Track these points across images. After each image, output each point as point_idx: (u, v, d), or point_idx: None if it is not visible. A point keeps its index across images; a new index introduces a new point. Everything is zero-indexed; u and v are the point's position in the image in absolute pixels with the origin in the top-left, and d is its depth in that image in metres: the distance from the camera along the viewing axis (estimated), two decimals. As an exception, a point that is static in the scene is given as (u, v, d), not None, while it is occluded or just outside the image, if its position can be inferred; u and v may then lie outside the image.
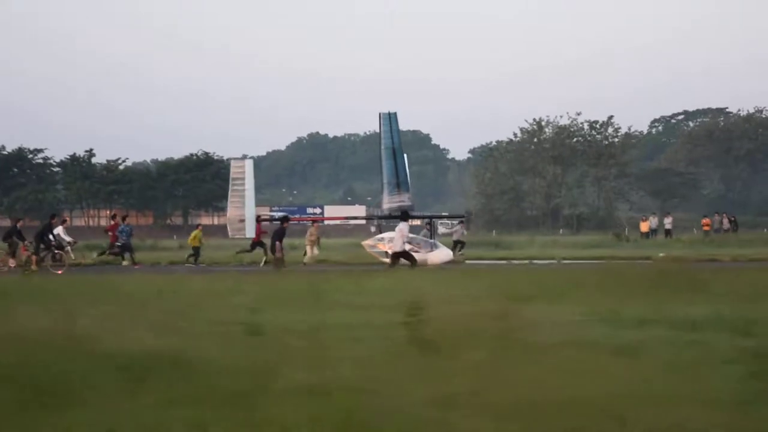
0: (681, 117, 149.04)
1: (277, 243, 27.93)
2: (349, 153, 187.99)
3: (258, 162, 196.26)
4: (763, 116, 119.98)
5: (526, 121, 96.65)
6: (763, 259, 29.58)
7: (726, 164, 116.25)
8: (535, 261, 30.24)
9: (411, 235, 28.87)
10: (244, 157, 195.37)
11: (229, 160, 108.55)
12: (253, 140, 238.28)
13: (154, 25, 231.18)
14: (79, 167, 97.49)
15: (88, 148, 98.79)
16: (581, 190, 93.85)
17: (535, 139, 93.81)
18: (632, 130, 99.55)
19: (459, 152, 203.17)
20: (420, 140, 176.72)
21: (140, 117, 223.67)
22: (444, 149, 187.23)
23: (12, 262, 29.69)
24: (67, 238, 32.38)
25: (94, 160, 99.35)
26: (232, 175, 31.64)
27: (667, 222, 50.80)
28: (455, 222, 38.40)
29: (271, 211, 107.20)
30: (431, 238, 30.53)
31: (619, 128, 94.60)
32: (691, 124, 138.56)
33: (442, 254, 29.02)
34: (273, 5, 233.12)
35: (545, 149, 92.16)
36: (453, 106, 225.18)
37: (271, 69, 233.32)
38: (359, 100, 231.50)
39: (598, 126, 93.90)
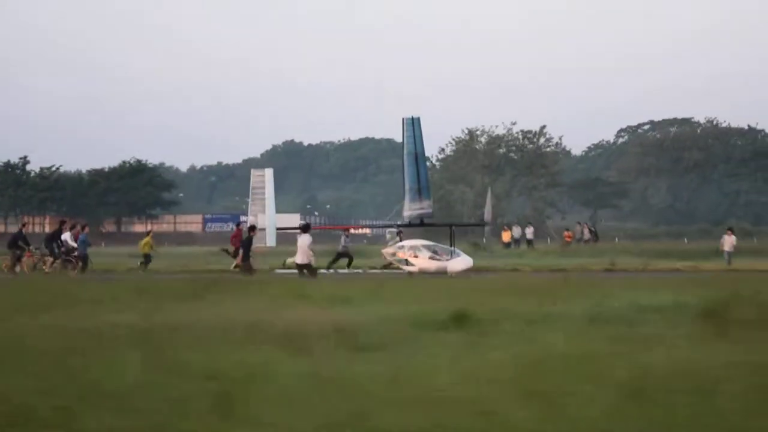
0: (647, 127, 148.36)
1: (242, 251, 27.81)
2: (322, 161, 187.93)
3: (233, 169, 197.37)
4: (718, 127, 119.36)
5: (462, 130, 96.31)
6: (570, 270, 28.93)
7: (676, 174, 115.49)
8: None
9: (430, 243, 29.49)
10: (219, 164, 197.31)
11: (159, 165, 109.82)
12: (232, 147, 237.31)
13: (119, 25, 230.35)
14: (13, 174, 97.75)
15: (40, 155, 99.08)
16: (509, 200, 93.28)
17: (467, 149, 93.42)
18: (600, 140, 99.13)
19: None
20: (393, 148, 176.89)
21: (123, 118, 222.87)
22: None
23: (17, 268, 29.83)
24: (74, 244, 32.09)
25: (29, 167, 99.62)
26: (252, 185, 31.65)
27: (528, 232, 50.42)
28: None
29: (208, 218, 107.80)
30: (451, 246, 30.33)
31: (551, 138, 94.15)
32: (656, 134, 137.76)
33: (463, 262, 28.96)
34: (253, 11, 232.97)
35: (477, 159, 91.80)
36: (431, 113, 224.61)
37: (250, 75, 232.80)
38: (336, 107, 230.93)
39: (531, 136, 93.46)
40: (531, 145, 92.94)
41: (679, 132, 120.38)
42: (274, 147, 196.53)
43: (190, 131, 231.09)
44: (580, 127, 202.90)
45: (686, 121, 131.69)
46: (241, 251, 27.78)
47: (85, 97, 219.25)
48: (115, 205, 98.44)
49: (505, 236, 49.98)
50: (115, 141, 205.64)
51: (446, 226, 33.04)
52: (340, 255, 32.58)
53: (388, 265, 30.10)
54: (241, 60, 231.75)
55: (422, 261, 28.69)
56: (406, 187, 30.55)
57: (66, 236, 31.54)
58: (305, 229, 26.76)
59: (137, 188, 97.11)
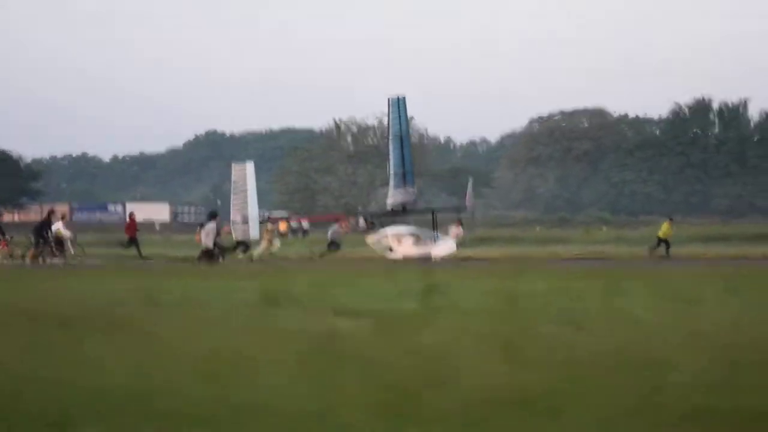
0: (558, 117, 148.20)
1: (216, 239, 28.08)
2: (242, 151, 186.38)
3: (155, 159, 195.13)
4: (607, 118, 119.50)
5: (334, 119, 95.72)
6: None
7: (565, 164, 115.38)
8: None
9: (413, 229, 29.81)
10: (142, 154, 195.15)
11: (20, 156, 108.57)
12: (157, 136, 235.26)
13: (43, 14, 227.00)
14: None
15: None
16: (373, 189, 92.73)
17: (334, 140, 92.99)
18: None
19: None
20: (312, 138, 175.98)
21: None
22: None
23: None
24: (67, 234, 32.63)
25: None
26: (233, 178, 32.18)
27: (305, 223, 50.30)
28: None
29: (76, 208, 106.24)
30: (434, 231, 30.66)
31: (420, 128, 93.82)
32: (563, 124, 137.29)
33: (446, 247, 29.36)
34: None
35: (343, 149, 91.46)
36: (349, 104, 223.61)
37: (174, 66, 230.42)
38: (259, 97, 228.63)
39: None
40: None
41: (572, 122, 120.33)
42: (197, 137, 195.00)
43: (114, 120, 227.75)
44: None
45: (599, 112, 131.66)
46: (203, 237, 27.64)
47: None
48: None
49: (282, 226, 49.66)
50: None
51: (427, 212, 33.13)
52: (332, 244, 33.07)
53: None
54: (167, 50, 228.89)
55: (405, 247, 29.04)
56: (391, 172, 30.51)
57: (58, 225, 31.78)
58: (212, 216, 27.93)
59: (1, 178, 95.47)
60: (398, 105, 29.77)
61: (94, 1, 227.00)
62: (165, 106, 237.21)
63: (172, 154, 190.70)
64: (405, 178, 30.26)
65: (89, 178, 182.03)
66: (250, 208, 31.48)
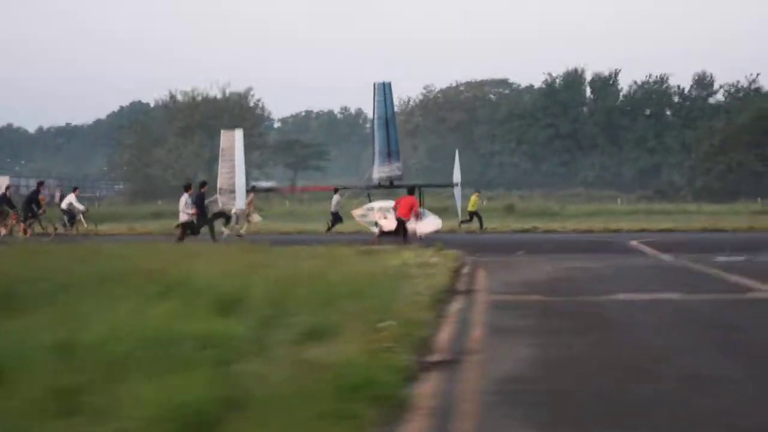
0: (462, 88, 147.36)
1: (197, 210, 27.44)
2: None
3: (81, 130, 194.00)
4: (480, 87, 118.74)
5: (168, 92, 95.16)
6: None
7: (440, 135, 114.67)
8: None
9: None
10: (68, 125, 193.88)
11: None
12: (80, 107, 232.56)
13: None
14: None
15: None
16: (201, 162, 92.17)
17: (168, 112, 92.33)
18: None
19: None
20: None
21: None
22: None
23: (2, 230, 30.06)
24: (81, 207, 32.79)
25: None
26: (222, 146, 30.94)
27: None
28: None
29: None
30: (420, 206, 30.14)
31: (259, 99, 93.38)
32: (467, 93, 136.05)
33: (432, 223, 29.20)
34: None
35: (175, 120, 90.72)
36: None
37: (101, 35, 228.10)
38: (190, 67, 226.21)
39: (237, 98, 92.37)
40: (238, 109, 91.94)
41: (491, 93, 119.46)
42: (121, 108, 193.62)
43: (38, 89, 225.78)
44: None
45: (503, 82, 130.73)
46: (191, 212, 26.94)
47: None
48: None
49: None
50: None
51: (413, 187, 32.38)
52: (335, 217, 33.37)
53: None
54: (97, 19, 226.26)
55: (390, 222, 28.73)
56: (376, 150, 30.71)
57: (71, 198, 32.01)
58: (186, 188, 27.31)
59: None
60: (383, 89, 30.65)
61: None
62: (96, 76, 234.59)
63: (99, 125, 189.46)
64: (390, 157, 30.66)
65: (13, 150, 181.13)
66: (237, 178, 30.39)
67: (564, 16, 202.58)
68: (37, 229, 31.13)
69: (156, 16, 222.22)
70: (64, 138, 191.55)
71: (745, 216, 45.90)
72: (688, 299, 12.54)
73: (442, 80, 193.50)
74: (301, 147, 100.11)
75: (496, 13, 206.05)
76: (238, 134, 31.18)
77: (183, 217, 26.58)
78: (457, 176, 34.30)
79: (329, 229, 33.52)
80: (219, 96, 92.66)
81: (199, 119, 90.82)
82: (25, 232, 29.88)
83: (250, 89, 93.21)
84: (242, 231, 31.57)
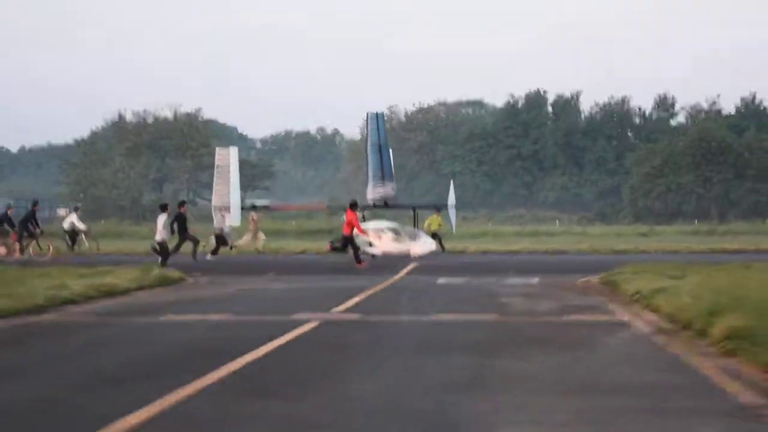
0: (435, 106, 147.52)
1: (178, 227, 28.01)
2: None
3: (62, 150, 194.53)
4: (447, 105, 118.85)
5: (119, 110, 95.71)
6: None
7: (403, 155, 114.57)
8: None
9: (394, 225, 30.35)
10: (50, 144, 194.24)
11: None
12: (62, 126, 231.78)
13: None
14: None
15: None
16: (147, 182, 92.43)
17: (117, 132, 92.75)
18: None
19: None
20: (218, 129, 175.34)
21: None
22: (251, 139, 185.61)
23: (3, 250, 30.09)
24: (82, 226, 32.76)
25: None
26: (217, 163, 31.36)
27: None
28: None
29: None
30: (415, 227, 31.49)
31: (206, 118, 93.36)
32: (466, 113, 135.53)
33: (426, 245, 29.78)
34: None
35: (123, 142, 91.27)
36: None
37: (80, 49, 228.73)
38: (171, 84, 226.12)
39: (187, 115, 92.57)
40: (186, 128, 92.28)
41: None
42: (104, 127, 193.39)
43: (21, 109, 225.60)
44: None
45: (476, 103, 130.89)
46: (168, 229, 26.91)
47: None
48: None
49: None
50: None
51: (408, 208, 34.01)
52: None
53: None
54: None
55: (385, 243, 29.23)
56: (370, 173, 31.59)
57: (72, 218, 31.93)
58: (163, 208, 27.10)
59: None
60: (376, 119, 31.99)
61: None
62: (78, 96, 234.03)
63: (81, 144, 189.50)
64: (384, 179, 31.41)
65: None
66: (232, 195, 30.88)
67: (529, 35, 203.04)
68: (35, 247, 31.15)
69: (142, 38, 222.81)
70: (45, 157, 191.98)
71: (632, 238, 46.00)
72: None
73: (408, 100, 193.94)
74: (248, 166, 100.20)
75: (464, 35, 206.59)
76: (233, 152, 31.45)
77: (159, 237, 26.34)
78: (452, 198, 35.15)
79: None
80: (170, 116, 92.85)
81: (148, 139, 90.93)
82: (21, 251, 29.89)
83: (199, 109, 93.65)
84: (238, 243, 32.17)
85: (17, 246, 30.05)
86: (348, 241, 26.60)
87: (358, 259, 25.69)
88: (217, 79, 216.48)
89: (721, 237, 48.50)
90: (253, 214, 33.09)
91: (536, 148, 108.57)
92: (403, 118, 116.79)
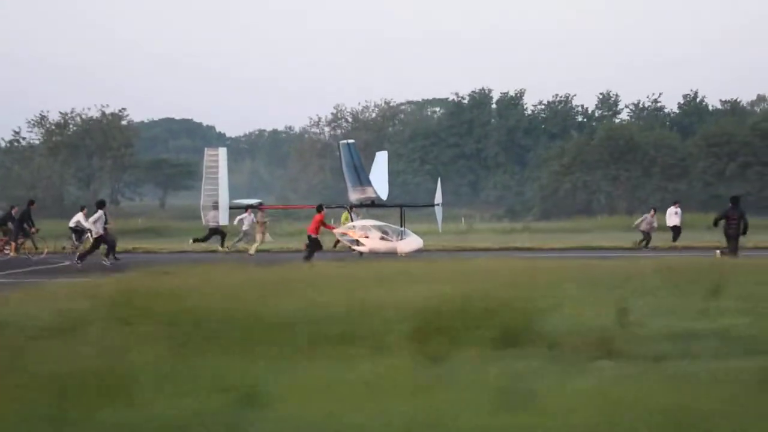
0: (404, 106, 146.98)
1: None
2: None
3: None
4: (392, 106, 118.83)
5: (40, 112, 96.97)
6: None
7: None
8: None
9: (380, 223, 30.67)
10: None
11: None
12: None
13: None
14: None
15: None
16: (80, 181, 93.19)
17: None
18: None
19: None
20: (189, 129, 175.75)
21: None
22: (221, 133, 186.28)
23: (8, 249, 30.74)
24: (90, 226, 32.46)
25: None
26: (206, 163, 31.63)
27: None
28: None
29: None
30: (402, 226, 31.39)
31: (129, 119, 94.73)
32: (433, 111, 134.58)
33: (413, 242, 29.86)
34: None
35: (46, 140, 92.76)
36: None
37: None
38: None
39: (108, 118, 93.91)
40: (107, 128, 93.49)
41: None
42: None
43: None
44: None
45: (444, 101, 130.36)
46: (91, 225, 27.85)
47: None
48: None
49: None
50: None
51: (396, 207, 33.99)
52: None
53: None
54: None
55: (372, 241, 29.44)
56: (348, 185, 31.83)
57: (79, 217, 31.19)
58: (100, 205, 27.89)
59: None
60: (349, 148, 31.75)
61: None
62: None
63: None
64: (362, 184, 31.70)
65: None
66: (221, 196, 31.15)
67: (478, 34, 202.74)
68: (29, 245, 31.70)
69: (121, 43, 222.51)
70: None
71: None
72: None
73: (355, 99, 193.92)
74: (169, 166, 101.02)
75: (412, 33, 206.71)
76: (222, 152, 31.58)
77: (95, 231, 27.06)
78: (438, 197, 35.39)
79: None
80: (97, 116, 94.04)
81: (69, 140, 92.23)
82: (16, 250, 30.36)
83: (123, 109, 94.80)
84: (252, 251, 32.04)
85: (12, 245, 30.75)
86: (313, 242, 27.74)
87: (307, 259, 26.15)
88: (197, 79, 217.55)
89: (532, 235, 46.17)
90: (261, 215, 33.07)
91: (479, 147, 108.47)
92: (349, 118, 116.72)
